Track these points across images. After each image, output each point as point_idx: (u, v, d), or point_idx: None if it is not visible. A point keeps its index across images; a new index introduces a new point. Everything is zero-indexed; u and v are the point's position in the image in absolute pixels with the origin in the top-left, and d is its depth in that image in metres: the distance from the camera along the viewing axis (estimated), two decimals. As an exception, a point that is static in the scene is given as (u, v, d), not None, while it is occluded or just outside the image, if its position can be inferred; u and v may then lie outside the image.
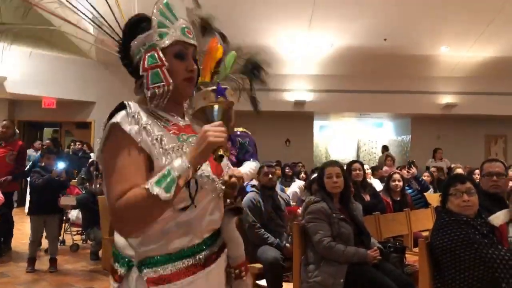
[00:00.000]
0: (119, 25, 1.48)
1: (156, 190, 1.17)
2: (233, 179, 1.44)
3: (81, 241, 6.81)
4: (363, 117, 14.43)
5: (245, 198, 4.33)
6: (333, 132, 15.54)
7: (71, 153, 10.15)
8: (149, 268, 1.30)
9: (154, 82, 1.34)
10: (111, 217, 1.24)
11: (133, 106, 1.32)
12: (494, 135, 13.65)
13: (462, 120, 12.93)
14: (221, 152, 1.25)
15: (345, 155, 14.11)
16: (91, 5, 1.55)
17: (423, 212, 5.23)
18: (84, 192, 6.72)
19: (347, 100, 11.67)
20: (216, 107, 1.40)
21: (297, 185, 6.72)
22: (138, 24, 1.40)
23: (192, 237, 1.35)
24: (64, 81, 10.85)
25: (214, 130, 1.26)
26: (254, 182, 5.37)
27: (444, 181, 5.54)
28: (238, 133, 1.75)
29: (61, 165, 5.64)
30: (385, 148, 13.18)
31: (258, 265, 3.96)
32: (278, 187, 4.73)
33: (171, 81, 1.35)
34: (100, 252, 5.80)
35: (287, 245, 4.11)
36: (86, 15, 1.55)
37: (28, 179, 6.41)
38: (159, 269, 1.30)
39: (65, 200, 6.07)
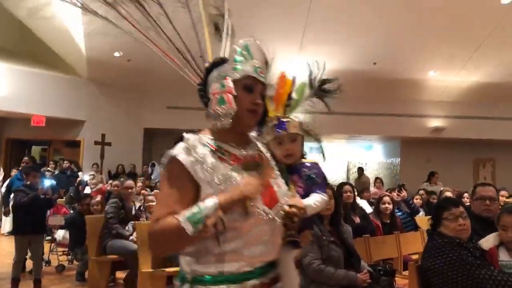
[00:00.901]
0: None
1: (185, 225, 1.29)
2: (293, 209, 1.49)
3: (67, 262, 6.67)
4: (353, 139, 14.51)
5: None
6: (315, 155, 15.54)
7: (57, 171, 10.04)
8: (200, 285, 1.41)
9: (219, 104, 1.44)
10: (148, 236, 1.38)
11: (192, 139, 1.46)
12: (483, 159, 13.79)
13: (451, 144, 13.06)
14: (248, 205, 1.37)
15: (335, 177, 14.13)
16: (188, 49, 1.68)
17: (413, 235, 5.22)
18: (72, 211, 6.61)
19: (336, 123, 11.71)
20: (259, 164, 1.53)
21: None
22: (220, 63, 1.54)
23: (241, 264, 1.42)
24: (54, 99, 10.79)
25: (251, 184, 1.39)
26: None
27: (435, 204, 5.55)
28: (308, 164, 1.76)
29: (47, 182, 5.56)
30: (361, 170, 13.33)
31: None
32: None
33: (234, 106, 1.44)
34: (86, 273, 5.68)
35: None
36: (178, 49, 1.68)
37: (11, 198, 6.30)
38: (209, 287, 1.40)
39: (53, 220, 5.97)
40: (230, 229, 1.37)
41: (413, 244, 4.96)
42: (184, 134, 1.47)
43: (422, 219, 6.25)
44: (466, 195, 6.14)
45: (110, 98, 11.65)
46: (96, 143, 11.17)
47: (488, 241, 2.71)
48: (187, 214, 1.31)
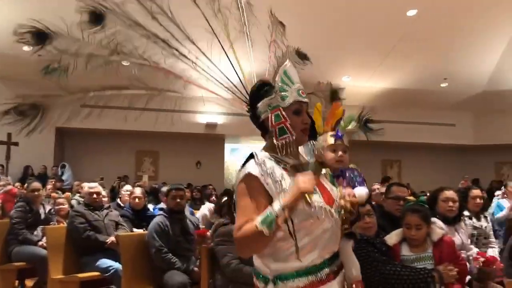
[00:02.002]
0: (245, 90, 1.88)
1: (261, 227, 1.52)
2: (348, 203, 1.73)
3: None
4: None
5: (152, 222, 4.21)
6: (244, 155, 15.71)
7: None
8: (282, 281, 1.64)
9: (281, 135, 1.69)
10: (234, 241, 1.61)
11: (259, 155, 1.70)
12: (390, 160, 14.75)
13: (362, 146, 13.79)
14: (308, 197, 1.58)
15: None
16: (225, 76, 1.94)
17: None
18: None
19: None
20: (311, 161, 1.82)
21: (207, 208, 6.66)
22: (261, 88, 1.77)
23: (314, 257, 1.65)
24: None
25: (304, 179, 1.59)
26: (163, 205, 5.26)
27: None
28: (350, 168, 2.04)
29: None
30: None
31: (165, 291, 3.85)
32: (187, 210, 4.66)
33: (293, 133, 1.69)
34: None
35: (195, 269, 4.05)
36: (220, 83, 1.95)
37: None
38: (289, 283, 1.63)
39: None
40: (301, 228, 1.61)
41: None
42: (254, 151, 1.71)
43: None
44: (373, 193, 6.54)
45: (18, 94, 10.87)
46: (1, 143, 10.38)
47: (391, 238, 2.91)
48: (260, 218, 1.54)
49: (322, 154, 1.95)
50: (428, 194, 5.37)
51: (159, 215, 4.33)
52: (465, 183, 8.19)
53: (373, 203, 3.73)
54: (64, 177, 11.12)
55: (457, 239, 3.51)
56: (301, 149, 1.88)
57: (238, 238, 1.59)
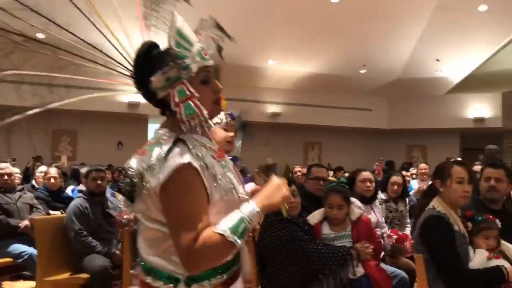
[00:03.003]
0: (127, 61, 1.44)
1: (232, 238, 1.27)
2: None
3: None
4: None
5: (70, 205, 4.04)
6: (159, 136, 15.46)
7: None
8: (196, 282, 1.37)
9: (189, 114, 1.33)
10: (184, 257, 1.29)
11: (190, 140, 1.33)
12: (311, 142, 15.26)
13: (285, 128, 14.15)
14: (285, 206, 1.47)
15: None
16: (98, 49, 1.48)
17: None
18: None
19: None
20: (282, 165, 1.58)
21: (129, 190, 6.49)
22: (149, 52, 1.37)
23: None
24: None
25: (286, 187, 1.42)
26: (82, 187, 5.04)
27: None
28: (237, 158, 1.90)
29: None
30: None
31: (84, 275, 3.71)
32: (108, 192, 4.51)
33: (204, 110, 1.34)
34: None
35: (117, 252, 3.95)
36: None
37: None
38: (204, 283, 1.37)
39: None
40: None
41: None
42: (182, 136, 1.33)
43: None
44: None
45: None
46: None
47: (314, 217, 3.04)
48: (229, 226, 1.28)
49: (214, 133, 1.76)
50: (346, 174, 5.64)
51: (78, 197, 4.15)
52: (380, 165, 8.67)
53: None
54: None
55: (373, 217, 3.75)
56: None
57: (196, 250, 1.26)
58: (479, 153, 8.52)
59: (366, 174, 3.94)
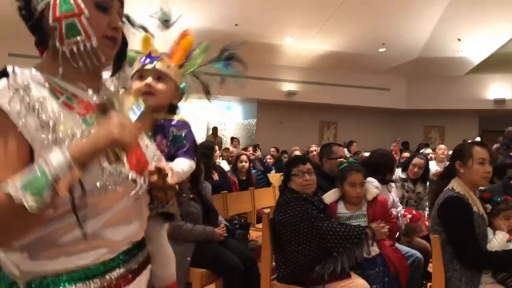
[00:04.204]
0: None
1: (21, 196, 0.85)
2: (169, 178, 1.14)
3: None
4: (213, 99, 14.68)
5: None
6: (183, 112, 15.52)
7: None
8: None
9: (71, 36, 1.01)
10: None
11: (21, 75, 0.98)
12: (327, 122, 15.16)
13: (301, 107, 14.07)
14: (119, 153, 1.00)
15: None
16: None
17: (266, 191, 5.57)
18: None
19: (197, 83, 11.71)
20: (129, 96, 1.10)
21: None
22: None
23: (101, 252, 1.04)
24: None
25: (122, 122, 0.98)
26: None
27: (286, 162, 5.99)
28: (177, 123, 1.42)
29: None
30: (215, 130, 13.73)
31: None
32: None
33: (93, 35, 1.03)
34: None
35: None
36: None
37: None
38: None
39: None
40: (85, 206, 0.99)
41: (266, 199, 5.31)
42: (9, 67, 0.99)
43: (274, 176, 6.72)
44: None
45: None
46: None
47: (329, 196, 3.03)
48: (21, 181, 0.86)
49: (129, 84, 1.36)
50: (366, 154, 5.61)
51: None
52: (397, 145, 8.60)
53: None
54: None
55: (389, 197, 3.73)
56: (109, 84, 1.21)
57: None
58: (498, 135, 8.38)
59: (419, 161, 4.01)
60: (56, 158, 0.89)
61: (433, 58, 12.63)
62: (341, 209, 2.97)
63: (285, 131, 12.17)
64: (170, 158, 1.35)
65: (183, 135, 1.41)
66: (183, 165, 1.33)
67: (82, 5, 1.02)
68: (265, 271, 2.89)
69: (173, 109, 1.51)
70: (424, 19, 10.79)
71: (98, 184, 0.99)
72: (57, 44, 1.02)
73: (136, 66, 1.41)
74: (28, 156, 0.95)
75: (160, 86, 1.41)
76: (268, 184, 6.10)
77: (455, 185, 2.56)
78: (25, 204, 0.84)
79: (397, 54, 12.68)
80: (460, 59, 12.79)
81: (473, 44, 11.88)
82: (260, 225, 3.78)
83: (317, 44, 11.97)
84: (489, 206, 2.59)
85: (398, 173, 4.32)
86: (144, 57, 1.41)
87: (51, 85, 1.02)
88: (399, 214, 3.80)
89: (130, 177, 1.05)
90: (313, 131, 14.58)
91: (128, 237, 1.11)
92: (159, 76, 1.42)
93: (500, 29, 10.93)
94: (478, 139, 8.08)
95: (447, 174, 2.74)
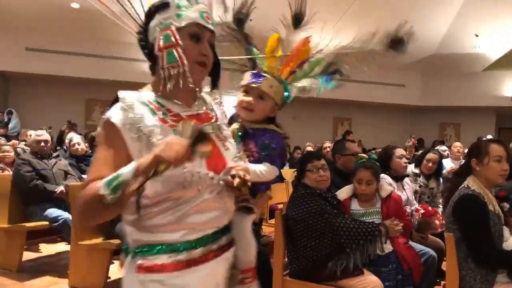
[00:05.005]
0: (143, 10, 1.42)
1: (104, 191, 1.16)
2: (237, 180, 1.32)
3: None
4: (227, 94, 14.70)
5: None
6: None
7: None
8: (140, 255, 1.31)
9: (169, 62, 1.30)
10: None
11: (128, 97, 1.31)
12: (341, 118, 15.08)
13: (315, 103, 14.01)
14: (162, 169, 1.16)
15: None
16: None
17: (279, 186, 5.57)
18: None
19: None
20: (191, 125, 1.23)
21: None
22: (160, 8, 1.35)
23: (185, 232, 1.31)
24: None
25: (170, 146, 1.16)
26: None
27: (300, 157, 5.97)
28: (268, 133, 1.62)
29: None
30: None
31: (117, 241, 3.84)
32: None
33: (186, 62, 1.30)
34: None
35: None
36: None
37: None
38: (150, 258, 1.30)
39: None
40: (170, 198, 1.27)
41: (279, 194, 5.31)
42: (120, 93, 1.31)
43: (287, 172, 6.70)
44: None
45: None
46: None
47: (342, 193, 3.03)
48: (107, 179, 1.17)
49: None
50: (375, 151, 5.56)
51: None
52: (413, 142, 8.52)
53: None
54: (10, 125, 10.60)
55: (403, 195, 3.70)
56: (207, 97, 1.48)
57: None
58: (516, 133, 8.25)
59: (402, 151, 3.92)
60: (128, 167, 1.17)
61: (450, 54, 12.46)
62: (355, 205, 2.96)
63: (298, 127, 12.11)
64: (258, 162, 1.55)
65: (271, 144, 1.61)
66: (262, 168, 1.54)
67: (178, 37, 1.31)
68: (277, 267, 2.89)
69: (270, 120, 1.74)
70: (441, 14, 10.65)
71: (180, 181, 1.26)
72: (160, 69, 1.32)
73: (245, 80, 1.65)
74: (126, 161, 1.22)
75: (260, 105, 1.65)
76: (282, 179, 6.09)
77: (471, 183, 2.53)
78: (106, 197, 1.15)
79: (413, 50, 12.41)
80: (477, 55, 12.59)
81: (490, 40, 11.68)
82: (272, 221, 3.78)
83: (332, 39, 11.89)
84: (506, 205, 2.56)
85: (411, 168, 4.28)
86: (252, 74, 1.64)
87: (152, 103, 1.33)
88: (413, 212, 3.77)
89: (209, 176, 1.32)
90: (327, 127, 14.53)
91: (209, 222, 1.35)
92: (261, 95, 1.64)
93: (518, 25, 10.74)
94: (489, 136, 7.96)
95: (463, 171, 2.71)
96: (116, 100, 1.31)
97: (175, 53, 1.30)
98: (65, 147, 6.50)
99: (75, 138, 5.80)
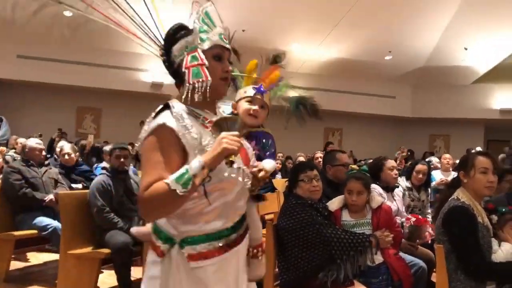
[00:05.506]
0: (159, 33, 1.65)
1: (174, 186, 1.35)
2: (263, 173, 1.64)
3: None
4: (221, 104, 14.71)
5: (94, 181, 4.13)
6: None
7: None
8: (189, 245, 1.50)
9: (195, 77, 1.50)
10: (139, 203, 1.43)
11: (176, 107, 1.51)
12: (332, 128, 15.15)
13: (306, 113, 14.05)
14: (232, 158, 1.43)
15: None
16: (139, 16, 1.69)
17: (270, 196, 5.51)
18: None
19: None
20: (236, 119, 1.61)
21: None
22: (178, 31, 1.58)
23: (225, 221, 1.54)
24: None
25: (230, 139, 1.42)
26: (105, 164, 5.13)
27: (292, 167, 5.98)
28: (263, 133, 1.99)
29: None
30: None
31: (106, 250, 3.81)
32: (131, 170, 4.59)
33: (210, 78, 1.51)
34: None
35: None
36: (136, 23, 1.69)
37: None
38: (197, 247, 1.50)
39: None
40: (216, 189, 1.48)
41: (270, 205, 5.29)
42: (170, 102, 1.52)
43: (279, 181, 6.70)
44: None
45: None
46: None
47: (333, 203, 3.04)
48: (174, 176, 1.36)
49: (237, 105, 1.93)
50: (365, 162, 5.58)
51: (101, 174, 4.24)
52: (404, 152, 8.54)
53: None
54: (0, 132, 10.48)
55: (393, 205, 3.73)
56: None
57: (145, 198, 1.39)
58: (504, 145, 8.36)
59: (393, 162, 3.96)
60: (195, 163, 1.39)
61: (439, 67, 12.62)
62: (346, 216, 2.97)
63: (289, 137, 12.12)
64: (259, 158, 1.83)
65: (269, 142, 1.97)
66: (269, 164, 1.79)
67: (203, 57, 1.53)
68: (268, 278, 2.88)
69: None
70: (431, 27, 10.80)
71: (225, 174, 1.48)
72: (188, 84, 1.50)
73: (248, 92, 1.96)
74: (185, 160, 1.45)
75: (262, 113, 1.98)
76: (273, 189, 6.07)
77: (460, 195, 2.56)
78: (177, 191, 1.35)
79: (403, 62, 12.67)
80: (467, 68, 12.77)
81: (479, 54, 11.87)
82: (263, 231, 3.77)
83: (324, 51, 11.99)
84: (494, 217, 2.58)
85: (403, 182, 4.31)
86: (257, 88, 1.96)
87: (193, 112, 1.54)
88: (403, 223, 3.79)
89: (242, 169, 1.56)
90: (318, 138, 14.56)
91: (240, 210, 1.62)
92: (263, 105, 1.97)
93: (507, 39, 10.91)
94: (478, 148, 8.03)
95: (454, 183, 2.73)
96: (162, 109, 1.51)
97: (200, 70, 1.51)
98: (55, 156, 6.44)
99: (66, 148, 5.74)
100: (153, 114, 1.52)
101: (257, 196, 1.89)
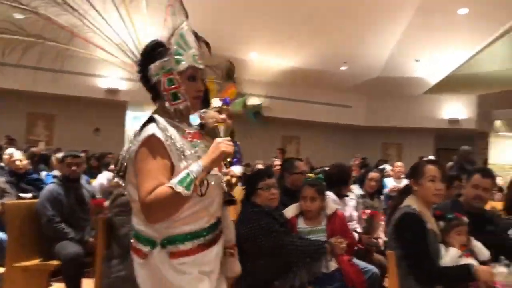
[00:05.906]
0: (136, 50, 1.79)
1: (179, 188, 1.51)
2: (234, 179, 1.95)
3: None
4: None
5: (44, 190, 3.97)
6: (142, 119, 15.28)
7: None
8: (171, 244, 1.65)
9: (175, 101, 1.69)
10: (142, 209, 1.57)
11: (161, 121, 1.65)
12: (290, 136, 15.32)
13: (264, 122, 14.14)
14: (228, 159, 1.68)
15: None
16: (116, 33, 1.80)
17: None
18: None
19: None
20: (222, 126, 1.76)
21: (105, 177, 6.39)
22: (155, 48, 1.72)
23: (205, 221, 1.70)
24: None
25: (226, 143, 1.63)
26: (57, 172, 4.95)
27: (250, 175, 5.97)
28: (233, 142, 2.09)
29: None
30: None
31: (55, 262, 3.66)
32: (83, 179, 4.44)
33: (187, 99, 1.71)
34: None
35: (90, 239, 3.90)
36: (112, 40, 1.80)
37: None
38: (179, 246, 1.65)
39: None
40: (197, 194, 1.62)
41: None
42: (154, 116, 1.66)
43: (236, 189, 6.69)
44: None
45: None
46: None
47: (289, 211, 3.06)
48: (177, 180, 1.53)
49: (206, 115, 2.03)
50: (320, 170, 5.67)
51: (52, 183, 4.08)
52: (358, 161, 8.76)
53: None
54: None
55: (346, 211, 3.80)
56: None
57: (150, 202, 1.53)
58: (453, 153, 8.68)
59: (374, 175, 4.12)
60: (195, 167, 1.57)
61: (393, 78, 13.04)
62: (301, 224, 3.00)
63: (247, 145, 12.16)
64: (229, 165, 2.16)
65: (237, 149, 2.20)
66: (238, 170, 2.14)
67: (180, 80, 1.70)
68: (228, 286, 2.85)
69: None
70: (385, 40, 11.15)
71: (209, 178, 1.64)
72: (167, 105, 1.70)
73: (215, 103, 2.20)
74: (171, 168, 1.61)
75: (230, 122, 2.07)
76: (233, 201, 6.04)
77: (411, 202, 2.63)
78: (182, 192, 1.51)
79: (358, 73, 13.02)
80: (418, 80, 13.26)
81: (430, 66, 12.35)
82: (220, 239, 3.74)
83: (281, 60, 12.13)
84: (441, 223, 2.67)
85: (356, 189, 4.40)
86: (224, 99, 2.23)
87: (172, 124, 1.69)
88: (356, 229, 3.87)
89: (219, 176, 1.76)
90: (276, 146, 14.66)
91: (216, 213, 1.77)
92: (230, 115, 2.18)
93: (455, 52, 11.42)
94: (431, 157, 8.35)
95: (406, 191, 2.81)
96: (148, 122, 1.65)
97: (178, 93, 1.69)
98: (2, 164, 6.13)
99: (15, 154, 5.46)
100: (139, 127, 1.67)
101: (229, 200, 2.03)
